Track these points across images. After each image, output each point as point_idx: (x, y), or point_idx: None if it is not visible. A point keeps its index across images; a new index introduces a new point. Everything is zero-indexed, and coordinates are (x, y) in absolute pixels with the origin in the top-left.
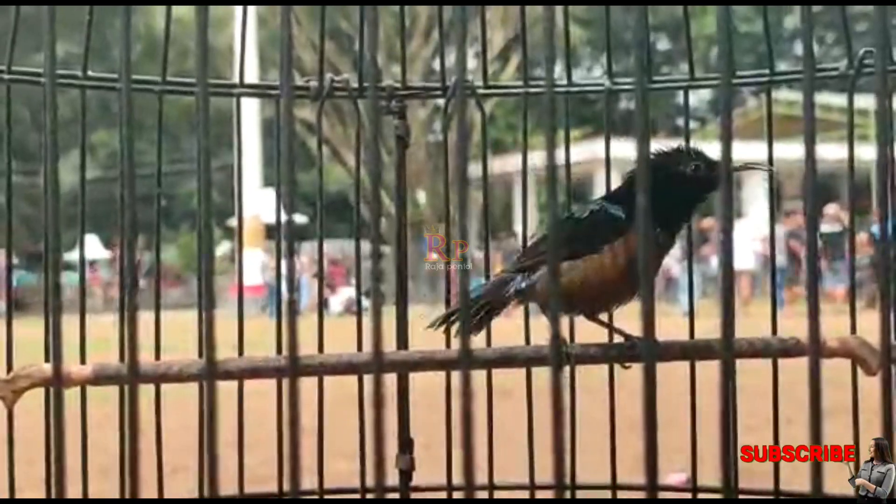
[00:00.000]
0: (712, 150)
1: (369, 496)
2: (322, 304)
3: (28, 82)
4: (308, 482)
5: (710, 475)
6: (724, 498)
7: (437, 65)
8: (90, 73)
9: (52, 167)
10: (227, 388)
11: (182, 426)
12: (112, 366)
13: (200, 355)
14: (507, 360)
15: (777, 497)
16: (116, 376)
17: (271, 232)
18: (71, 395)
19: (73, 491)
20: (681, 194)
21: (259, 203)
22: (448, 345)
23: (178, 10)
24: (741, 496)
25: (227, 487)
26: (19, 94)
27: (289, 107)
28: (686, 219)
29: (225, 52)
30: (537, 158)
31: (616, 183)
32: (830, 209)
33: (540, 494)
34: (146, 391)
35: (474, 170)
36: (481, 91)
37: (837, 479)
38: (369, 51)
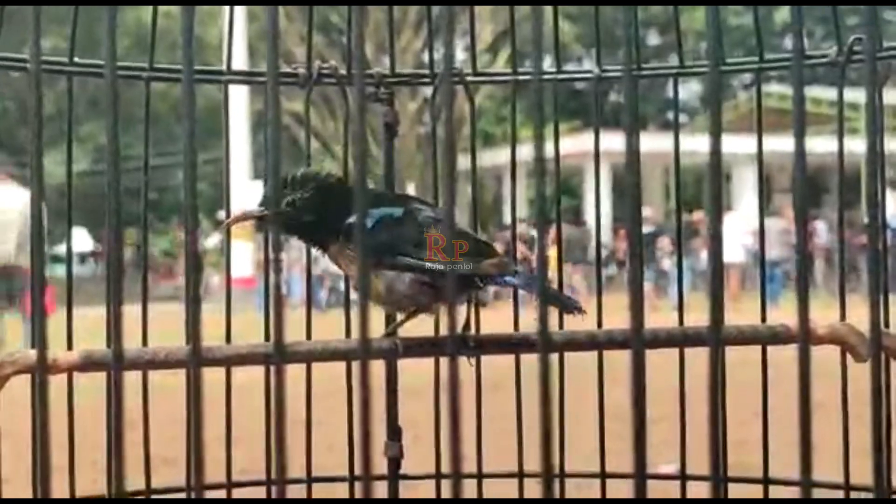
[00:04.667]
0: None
1: (357, 484)
2: (311, 295)
3: (14, 69)
4: (297, 472)
5: (702, 468)
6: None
7: (426, 57)
8: (77, 60)
9: (37, 151)
10: (215, 384)
11: (171, 419)
12: (99, 351)
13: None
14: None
15: (766, 484)
16: (103, 362)
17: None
18: (62, 388)
19: (60, 484)
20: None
21: (248, 195)
22: (436, 333)
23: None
24: (730, 483)
25: (215, 479)
26: (9, 88)
27: (275, 84)
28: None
29: (215, 46)
30: (526, 151)
31: (605, 174)
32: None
33: (528, 483)
34: (134, 385)
35: (463, 161)
36: (469, 78)
37: (826, 468)
38: (356, 27)
